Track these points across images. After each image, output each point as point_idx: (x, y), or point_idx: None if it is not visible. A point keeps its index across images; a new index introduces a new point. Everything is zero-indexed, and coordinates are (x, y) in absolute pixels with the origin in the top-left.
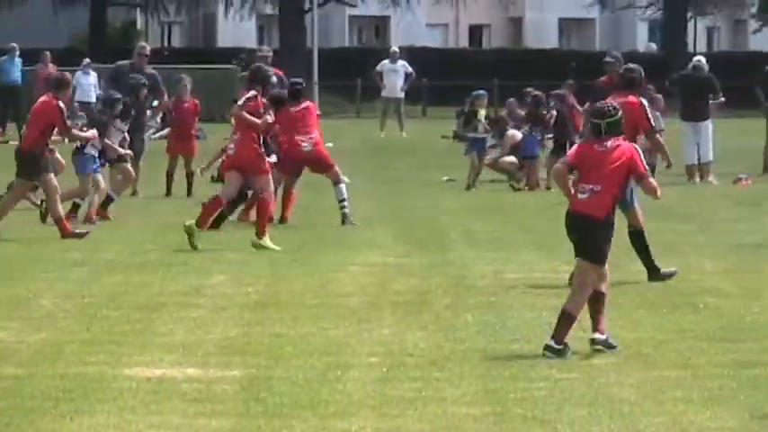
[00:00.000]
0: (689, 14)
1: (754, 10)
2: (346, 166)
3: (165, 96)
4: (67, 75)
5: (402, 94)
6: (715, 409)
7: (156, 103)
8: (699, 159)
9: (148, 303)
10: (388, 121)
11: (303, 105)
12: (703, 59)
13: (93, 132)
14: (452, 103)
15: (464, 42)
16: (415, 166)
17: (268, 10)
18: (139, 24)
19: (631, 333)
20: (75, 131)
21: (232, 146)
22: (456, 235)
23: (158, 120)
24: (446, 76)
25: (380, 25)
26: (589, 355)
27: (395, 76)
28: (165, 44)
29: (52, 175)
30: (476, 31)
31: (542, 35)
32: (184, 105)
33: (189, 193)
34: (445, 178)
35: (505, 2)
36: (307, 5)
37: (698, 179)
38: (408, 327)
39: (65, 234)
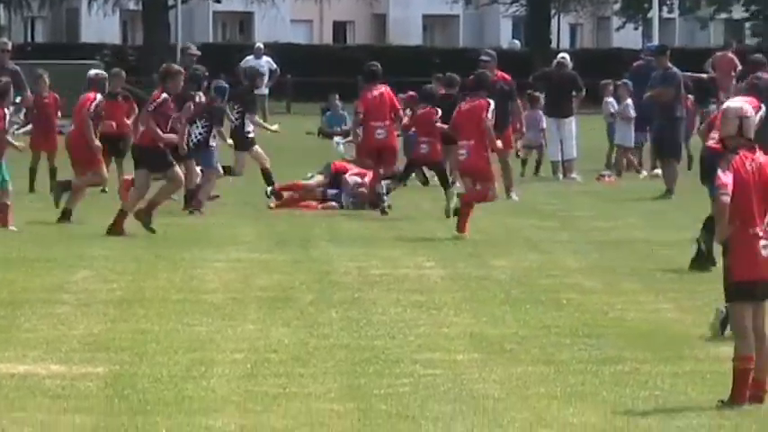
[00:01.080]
0: (552, 11)
1: (617, 7)
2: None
3: (29, 92)
4: None
5: (266, 91)
6: (578, 404)
7: (18, 99)
8: (562, 156)
9: (12, 299)
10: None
11: (379, 90)
12: (567, 56)
13: None
14: (317, 100)
15: (328, 39)
16: (280, 162)
17: (132, 5)
18: (2, 20)
19: (495, 329)
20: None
21: None
22: (320, 231)
23: (22, 116)
24: (310, 73)
25: (245, 21)
26: (452, 351)
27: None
28: (29, 40)
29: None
30: (340, 28)
31: (406, 32)
32: (44, 100)
33: (52, 189)
34: (309, 174)
35: None
36: (171, 1)
37: (561, 176)
38: (273, 323)
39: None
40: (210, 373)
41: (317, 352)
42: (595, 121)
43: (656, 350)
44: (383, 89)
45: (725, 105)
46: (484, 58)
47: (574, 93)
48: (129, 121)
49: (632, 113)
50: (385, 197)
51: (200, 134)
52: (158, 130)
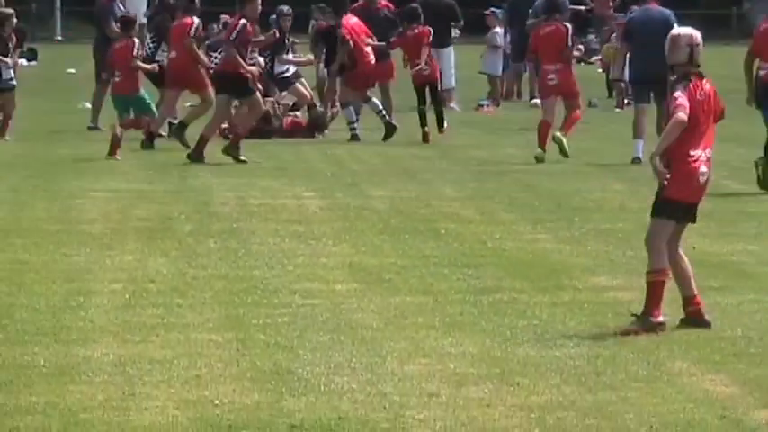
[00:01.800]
0: None
1: None
2: (88, 92)
3: None
4: None
5: (145, 20)
6: (456, 334)
7: None
8: (441, 85)
9: None
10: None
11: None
12: None
13: None
14: None
15: None
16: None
17: None
18: None
19: (373, 258)
20: None
21: None
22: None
23: None
24: None
25: None
26: (331, 281)
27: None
28: None
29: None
30: None
31: None
32: None
33: None
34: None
35: None
36: None
37: (455, 105)
38: (151, 253)
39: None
40: (88, 303)
41: (195, 282)
42: (476, 50)
43: (535, 280)
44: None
45: (674, 32)
46: None
47: (452, 23)
48: None
49: (499, 42)
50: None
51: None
52: (239, 58)
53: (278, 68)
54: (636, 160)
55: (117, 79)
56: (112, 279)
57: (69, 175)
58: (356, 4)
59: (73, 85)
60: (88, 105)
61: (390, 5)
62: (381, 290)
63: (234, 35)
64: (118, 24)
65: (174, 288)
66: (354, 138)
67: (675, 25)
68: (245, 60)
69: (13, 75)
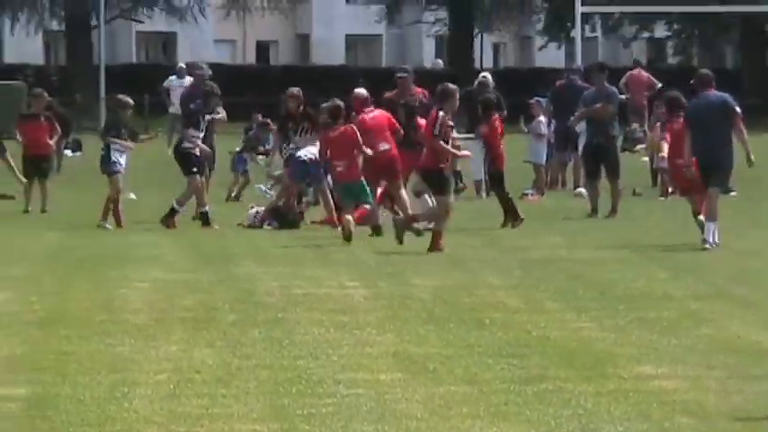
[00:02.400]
0: (475, 31)
1: (539, 27)
2: (134, 182)
3: None
4: None
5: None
6: (501, 424)
7: None
8: (486, 174)
9: None
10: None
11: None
12: (488, 75)
13: None
14: (240, 120)
15: (252, 58)
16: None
17: (54, 26)
18: None
19: (418, 348)
20: None
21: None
22: (243, 250)
23: None
24: (233, 93)
25: (168, 41)
26: (375, 371)
27: (182, 92)
28: None
29: None
30: (263, 48)
31: (330, 52)
32: None
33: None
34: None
35: (292, 18)
36: (93, 22)
37: (484, 194)
38: (196, 343)
39: None
40: (133, 393)
41: (239, 372)
42: (520, 139)
43: (580, 369)
44: (377, 111)
45: None
46: (401, 74)
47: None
48: (51, 142)
49: (543, 130)
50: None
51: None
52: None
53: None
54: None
55: (340, 168)
56: (157, 369)
57: (114, 265)
58: (391, 93)
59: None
60: (133, 196)
61: (426, 92)
62: (426, 379)
63: (437, 129)
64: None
65: (218, 378)
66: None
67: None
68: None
69: (122, 161)
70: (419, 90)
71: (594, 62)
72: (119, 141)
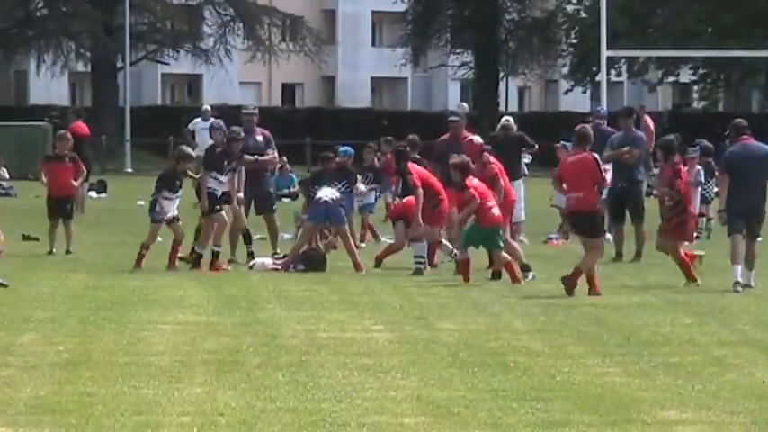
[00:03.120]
0: (500, 74)
1: (565, 70)
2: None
3: None
4: None
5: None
6: None
7: None
8: (510, 219)
9: None
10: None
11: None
12: (510, 119)
13: None
14: None
15: (277, 100)
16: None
17: (80, 68)
18: None
19: (442, 392)
20: None
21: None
22: (267, 293)
23: None
24: None
25: (193, 83)
26: (400, 415)
27: (207, 134)
28: None
29: None
30: (288, 90)
31: (355, 94)
32: None
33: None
34: (257, 236)
35: (318, 61)
36: (119, 63)
37: (509, 238)
38: (220, 386)
39: None
40: None
41: (263, 415)
42: (544, 183)
43: (604, 414)
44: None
45: None
46: (453, 118)
47: (525, 150)
48: (76, 183)
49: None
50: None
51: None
52: None
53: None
54: (736, 285)
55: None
56: (181, 412)
57: (138, 307)
58: (443, 137)
59: (142, 218)
60: (159, 239)
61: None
62: (450, 423)
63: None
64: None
65: (242, 421)
66: (418, 272)
67: None
68: None
69: (169, 210)
70: (469, 134)
71: (623, 107)
72: (167, 194)
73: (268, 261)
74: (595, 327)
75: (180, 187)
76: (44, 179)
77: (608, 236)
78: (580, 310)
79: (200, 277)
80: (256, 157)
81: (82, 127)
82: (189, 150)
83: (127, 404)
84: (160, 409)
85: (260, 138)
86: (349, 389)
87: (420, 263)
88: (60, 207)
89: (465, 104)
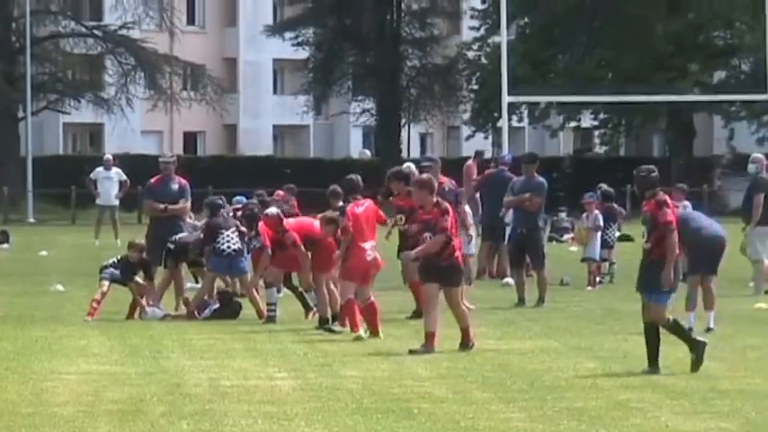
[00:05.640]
0: (402, 121)
1: (466, 116)
2: (61, 274)
3: None
4: None
5: (116, 202)
6: None
7: None
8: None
9: None
10: (102, 228)
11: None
12: (413, 165)
13: None
14: None
15: (179, 149)
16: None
17: None
18: None
19: None
20: None
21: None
22: (171, 342)
23: None
24: None
25: (95, 132)
26: None
27: (109, 183)
28: None
29: None
30: (190, 138)
31: (257, 142)
32: None
33: None
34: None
35: (220, 109)
36: (20, 113)
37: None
38: None
39: None
40: None
41: None
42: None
43: None
44: (367, 202)
45: None
46: (425, 163)
47: None
48: None
49: (470, 221)
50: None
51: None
52: None
53: None
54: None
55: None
56: None
57: (42, 356)
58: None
59: (45, 268)
60: (60, 287)
61: (452, 181)
62: None
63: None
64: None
65: None
66: (271, 319)
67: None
68: None
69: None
70: (444, 180)
71: (526, 153)
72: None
73: (158, 311)
74: (499, 372)
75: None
76: None
77: (509, 280)
78: (483, 356)
79: (103, 326)
80: (166, 205)
81: None
82: (141, 243)
83: None
84: None
85: (175, 186)
86: None
87: (272, 311)
88: None
89: (367, 151)
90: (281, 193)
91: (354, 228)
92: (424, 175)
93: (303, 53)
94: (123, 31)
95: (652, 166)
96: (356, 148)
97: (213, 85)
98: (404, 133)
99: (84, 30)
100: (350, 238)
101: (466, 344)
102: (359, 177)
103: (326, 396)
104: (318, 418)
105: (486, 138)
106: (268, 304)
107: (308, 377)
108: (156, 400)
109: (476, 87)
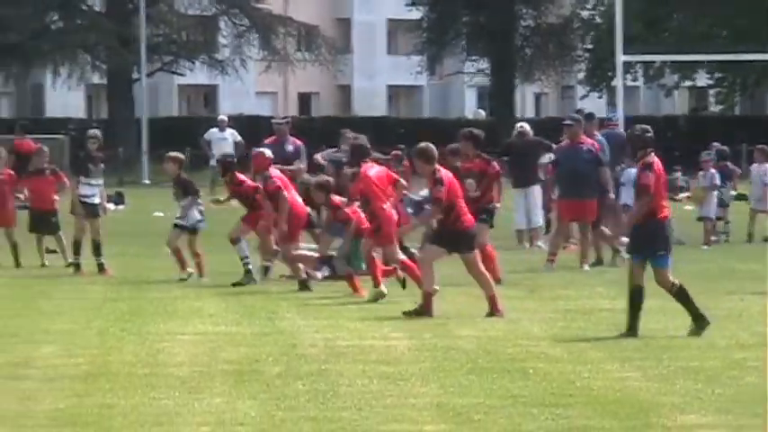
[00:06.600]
0: (516, 81)
1: (581, 76)
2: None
3: None
4: None
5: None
6: None
7: None
8: (528, 224)
9: None
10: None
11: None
12: (526, 125)
13: None
14: None
15: (293, 110)
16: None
17: (96, 80)
18: None
19: (462, 399)
20: None
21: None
22: (286, 303)
23: None
24: None
25: (209, 93)
26: (420, 422)
27: (223, 144)
28: None
29: None
30: (305, 99)
31: (371, 102)
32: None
33: (17, 264)
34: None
35: (334, 70)
36: (135, 75)
37: (527, 244)
38: (239, 395)
39: None
40: None
41: (283, 424)
42: None
43: (623, 419)
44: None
45: None
46: (568, 122)
47: (542, 155)
48: (56, 197)
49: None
50: None
51: None
52: None
53: None
54: None
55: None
56: (201, 422)
57: (157, 318)
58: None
59: (160, 229)
60: None
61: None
62: (470, 430)
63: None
64: None
65: (262, 430)
66: (248, 274)
67: None
68: None
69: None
70: (587, 140)
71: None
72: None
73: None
74: (613, 332)
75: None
76: (25, 193)
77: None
78: (598, 316)
79: (218, 288)
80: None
81: (25, 143)
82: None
83: (147, 415)
84: (180, 420)
85: (290, 147)
86: (369, 397)
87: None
88: (44, 221)
89: (482, 111)
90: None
91: (374, 190)
92: (423, 144)
93: (417, 13)
94: None
95: (647, 127)
96: (470, 108)
97: (327, 45)
98: (518, 93)
99: None
100: (373, 204)
101: (492, 313)
102: (366, 139)
103: (441, 356)
104: (433, 377)
105: (601, 97)
106: (242, 258)
107: (423, 337)
108: (271, 361)
109: (590, 47)
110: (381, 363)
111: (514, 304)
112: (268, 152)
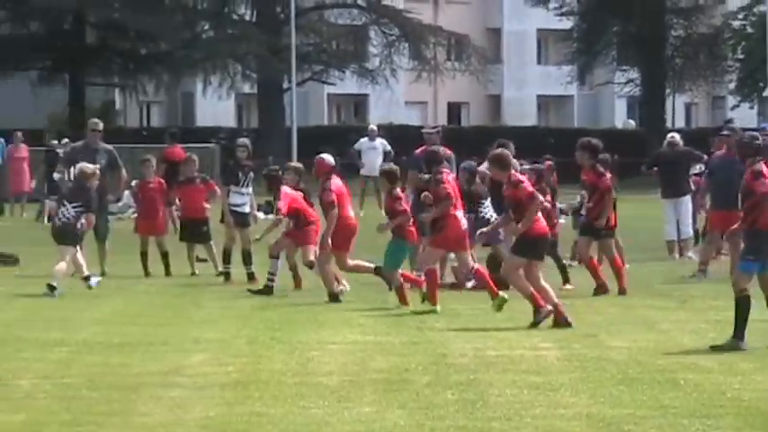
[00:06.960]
0: (667, 91)
1: (732, 86)
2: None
3: (123, 172)
4: None
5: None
6: None
7: (134, 183)
8: (678, 235)
9: (128, 383)
10: (366, 199)
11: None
12: (677, 135)
13: None
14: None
15: (443, 120)
16: None
17: (246, 89)
18: (118, 104)
19: (612, 409)
20: None
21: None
22: (436, 313)
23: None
24: None
25: (359, 103)
26: (566, 431)
27: (373, 153)
28: (144, 124)
29: None
30: (454, 109)
31: (521, 112)
32: (149, 185)
33: (167, 272)
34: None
35: (484, 80)
36: (285, 84)
37: (677, 255)
38: (389, 405)
39: None
40: None
41: None
42: None
43: None
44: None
45: None
46: (724, 132)
47: (693, 165)
48: (207, 205)
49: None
50: None
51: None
52: None
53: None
54: None
55: None
56: (350, 431)
57: (307, 327)
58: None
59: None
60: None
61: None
62: None
63: None
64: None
65: None
66: (270, 289)
67: None
68: None
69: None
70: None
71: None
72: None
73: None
74: (765, 342)
75: None
76: (177, 203)
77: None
78: (750, 326)
79: (366, 297)
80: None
81: (175, 152)
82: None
83: (296, 424)
84: (329, 429)
85: None
86: (518, 407)
87: (271, 279)
88: (194, 230)
89: (632, 121)
90: (549, 162)
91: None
92: (499, 150)
93: (567, 23)
94: (387, 2)
95: (756, 134)
96: (620, 118)
97: (477, 55)
98: (668, 103)
99: (347, 0)
100: (446, 205)
101: (559, 322)
102: (442, 149)
103: (592, 366)
104: (583, 388)
105: (752, 108)
106: (269, 273)
107: (573, 347)
108: (421, 370)
109: (741, 57)
110: (531, 373)
111: (666, 315)
112: (329, 158)
